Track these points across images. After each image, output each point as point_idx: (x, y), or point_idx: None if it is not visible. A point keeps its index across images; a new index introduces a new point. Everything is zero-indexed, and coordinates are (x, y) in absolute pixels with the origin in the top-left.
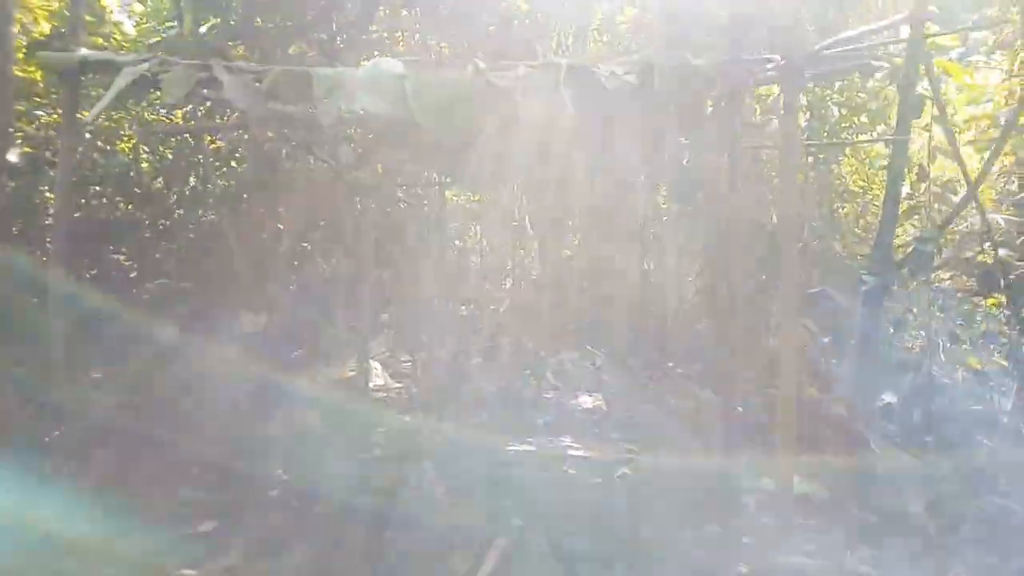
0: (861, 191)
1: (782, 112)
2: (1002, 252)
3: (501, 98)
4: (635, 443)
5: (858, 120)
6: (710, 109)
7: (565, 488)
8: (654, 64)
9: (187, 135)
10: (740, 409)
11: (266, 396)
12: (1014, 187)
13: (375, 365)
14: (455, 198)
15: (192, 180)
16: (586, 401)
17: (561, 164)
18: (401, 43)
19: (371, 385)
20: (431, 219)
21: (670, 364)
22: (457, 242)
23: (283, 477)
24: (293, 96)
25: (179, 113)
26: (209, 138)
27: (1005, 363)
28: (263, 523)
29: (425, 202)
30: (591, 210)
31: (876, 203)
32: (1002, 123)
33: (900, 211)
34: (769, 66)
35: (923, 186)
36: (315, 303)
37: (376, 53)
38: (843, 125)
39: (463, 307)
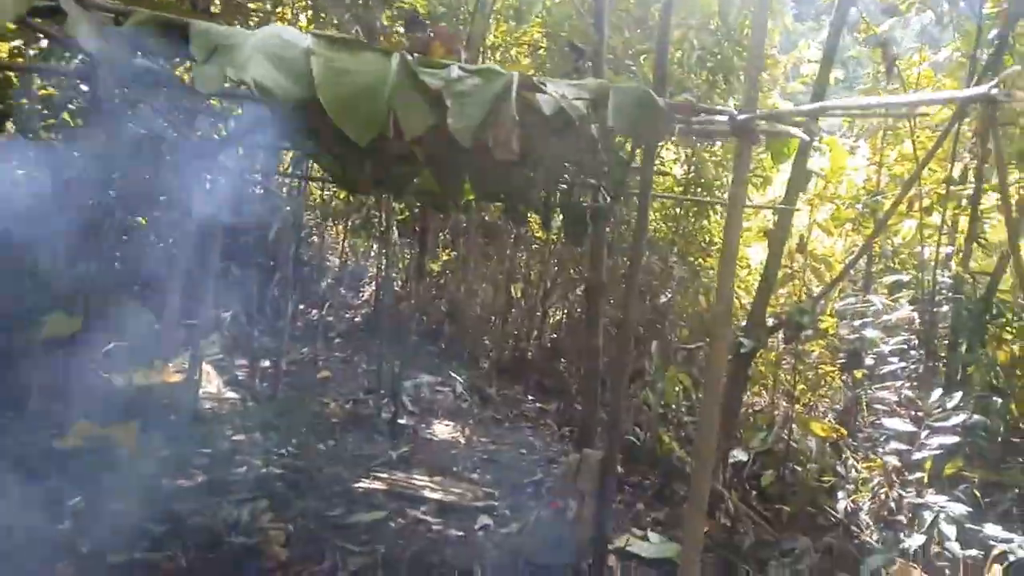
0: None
1: (723, 166)
2: (871, 333)
3: (427, 100)
4: (496, 487)
5: (726, 182)
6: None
7: (421, 541)
8: (611, 94)
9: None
10: (620, 468)
11: (65, 398)
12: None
13: (206, 369)
14: (319, 192)
15: (9, 126)
16: (443, 431)
17: (459, 180)
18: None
19: (200, 393)
20: (287, 211)
21: (530, 398)
22: (314, 238)
23: (78, 505)
24: (161, 50)
25: (3, 46)
26: (39, 83)
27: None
28: (45, 568)
29: (283, 192)
30: (467, 228)
31: (739, 263)
32: (859, 207)
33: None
34: (721, 118)
35: (800, 257)
36: (142, 291)
37: (254, 19)
38: (716, 183)
39: (314, 311)
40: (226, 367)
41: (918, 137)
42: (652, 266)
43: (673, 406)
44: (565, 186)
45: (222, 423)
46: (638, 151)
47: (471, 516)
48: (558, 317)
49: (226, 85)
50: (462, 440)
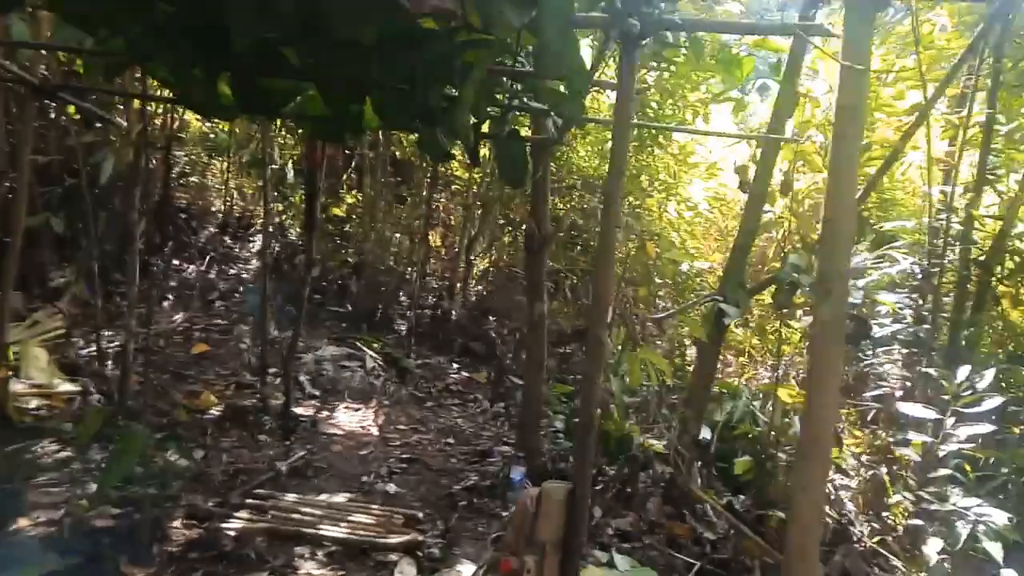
0: (668, 185)
1: (669, 92)
2: (889, 296)
3: None
4: (420, 504)
5: (677, 110)
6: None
7: None
8: None
9: None
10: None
11: None
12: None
13: (37, 353)
14: (197, 122)
15: None
16: (351, 420)
17: (355, 100)
18: None
19: (21, 388)
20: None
21: (455, 366)
22: (194, 179)
23: None
24: None
25: None
26: None
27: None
28: None
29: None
30: (376, 166)
31: (685, 203)
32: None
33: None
34: None
35: (785, 200)
36: None
37: None
38: (664, 113)
39: (193, 265)
40: (70, 348)
41: (924, 49)
42: (592, 207)
43: (643, 389)
44: (498, 108)
45: (43, 435)
46: (607, 54)
47: (386, 562)
48: (484, 266)
49: None
50: (375, 431)
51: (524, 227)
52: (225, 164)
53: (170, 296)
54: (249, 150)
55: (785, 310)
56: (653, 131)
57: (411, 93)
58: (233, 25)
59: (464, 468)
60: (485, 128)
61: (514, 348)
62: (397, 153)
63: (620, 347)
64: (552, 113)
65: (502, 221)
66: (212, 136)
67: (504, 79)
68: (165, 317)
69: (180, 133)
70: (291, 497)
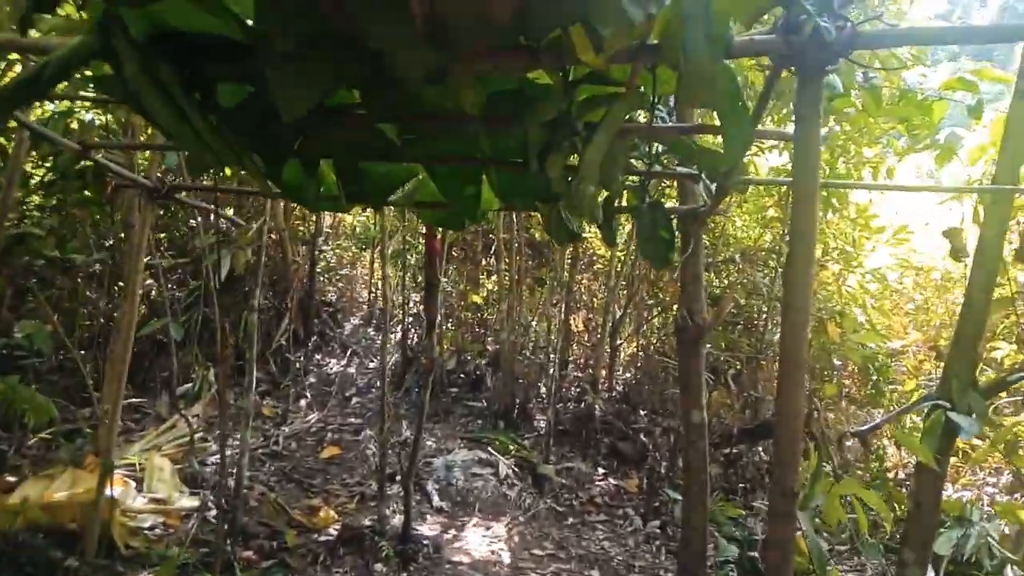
0: (847, 254)
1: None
2: None
3: None
4: None
5: (850, 168)
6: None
7: None
8: None
9: None
10: None
11: None
12: None
13: (162, 464)
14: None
15: None
16: (479, 543)
17: (470, 182)
18: None
19: (138, 502)
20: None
21: (600, 471)
22: (343, 272)
23: None
24: None
25: None
26: None
27: None
28: None
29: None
30: (507, 243)
31: (870, 273)
32: None
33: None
34: None
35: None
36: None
37: None
38: (834, 173)
39: (334, 359)
40: (197, 456)
41: None
42: (755, 283)
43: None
44: (634, 177)
45: (146, 564)
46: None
47: None
48: (630, 352)
49: None
50: (506, 557)
51: (675, 315)
52: (372, 256)
53: (308, 394)
54: (395, 241)
55: None
56: (824, 192)
57: (526, 166)
58: (280, 100)
59: None
60: (624, 200)
61: (669, 452)
62: (536, 234)
63: (811, 473)
64: (703, 177)
65: (651, 301)
66: (360, 232)
67: (641, 141)
68: (300, 417)
69: (329, 228)
70: None
